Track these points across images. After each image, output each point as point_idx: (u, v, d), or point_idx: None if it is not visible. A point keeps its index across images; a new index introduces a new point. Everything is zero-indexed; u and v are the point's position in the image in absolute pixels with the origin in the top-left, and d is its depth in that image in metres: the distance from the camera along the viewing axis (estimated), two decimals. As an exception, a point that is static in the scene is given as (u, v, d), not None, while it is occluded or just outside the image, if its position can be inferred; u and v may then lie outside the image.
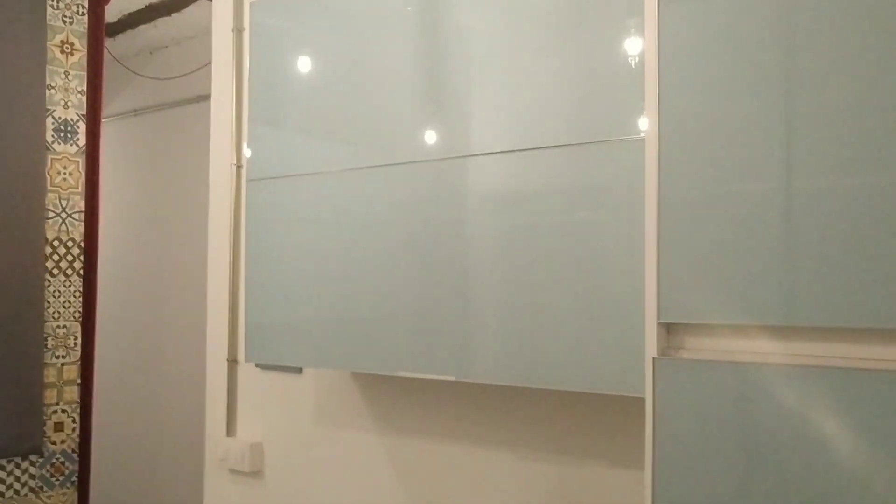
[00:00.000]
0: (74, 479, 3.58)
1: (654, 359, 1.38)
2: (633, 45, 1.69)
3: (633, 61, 1.69)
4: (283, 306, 2.26)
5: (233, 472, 2.78)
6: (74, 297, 3.60)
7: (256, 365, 2.74)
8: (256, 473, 2.72)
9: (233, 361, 2.81)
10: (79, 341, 3.61)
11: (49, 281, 3.53)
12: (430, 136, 1.99)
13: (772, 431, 1.27)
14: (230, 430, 2.80)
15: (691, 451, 1.34)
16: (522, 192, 1.83)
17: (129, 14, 4.32)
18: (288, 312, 2.25)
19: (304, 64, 2.25)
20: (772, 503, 1.27)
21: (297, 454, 2.62)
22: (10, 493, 3.38)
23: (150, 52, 4.97)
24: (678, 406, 1.36)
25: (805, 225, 1.27)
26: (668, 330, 1.41)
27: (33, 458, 3.45)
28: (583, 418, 2.05)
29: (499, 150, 1.87)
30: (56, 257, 3.56)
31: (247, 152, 2.39)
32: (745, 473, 1.30)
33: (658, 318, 1.39)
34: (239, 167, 2.83)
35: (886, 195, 1.21)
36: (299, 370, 2.63)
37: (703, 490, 1.33)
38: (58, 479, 3.53)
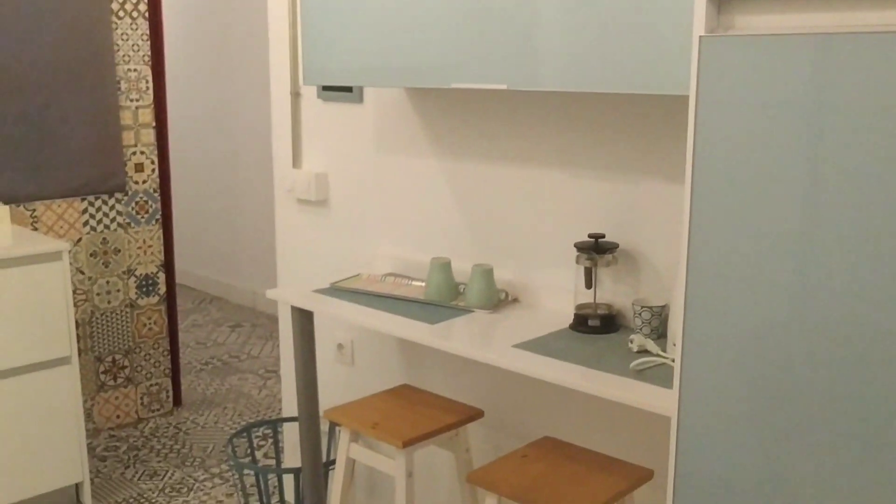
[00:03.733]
0: (158, 216, 3.78)
1: (700, 37, 1.33)
2: None
3: None
4: (340, 28, 2.24)
5: (300, 201, 2.89)
6: (142, 40, 3.64)
7: (318, 96, 2.76)
8: (322, 202, 2.82)
9: (296, 94, 2.84)
10: (150, 85, 3.69)
11: (116, 24, 3.56)
12: None
13: (839, 107, 1.23)
14: (296, 161, 2.88)
15: (734, 145, 1.32)
16: None
17: None
18: (345, 33, 2.23)
19: None
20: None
21: (359, 182, 2.70)
22: (101, 227, 3.61)
23: None
24: (723, 99, 1.32)
25: None
26: (720, 9, 1.34)
27: (118, 195, 3.65)
28: (636, 135, 2.03)
29: None
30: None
31: None
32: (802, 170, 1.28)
33: (709, -5, 1.32)
34: None
35: None
36: (360, 99, 2.65)
37: (740, 188, 1.32)
38: (143, 217, 3.74)
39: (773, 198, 1.29)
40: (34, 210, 3.42)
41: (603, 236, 2.08)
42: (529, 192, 2.27)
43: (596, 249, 2.06)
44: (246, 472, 3.29)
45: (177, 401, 3.98)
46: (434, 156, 2.48)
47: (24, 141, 3.35)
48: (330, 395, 2.92)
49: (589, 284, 2.10)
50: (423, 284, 2.40)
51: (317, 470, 2.49)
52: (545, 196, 2.24)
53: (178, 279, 6.26)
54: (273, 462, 3.34)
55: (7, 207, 3.18)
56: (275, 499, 3.12)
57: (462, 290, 2.34)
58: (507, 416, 2.39)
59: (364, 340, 2.77)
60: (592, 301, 2.12)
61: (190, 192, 6.07)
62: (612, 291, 2.13)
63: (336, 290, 2.42)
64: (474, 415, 2.21)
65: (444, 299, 2.29)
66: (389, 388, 2.38)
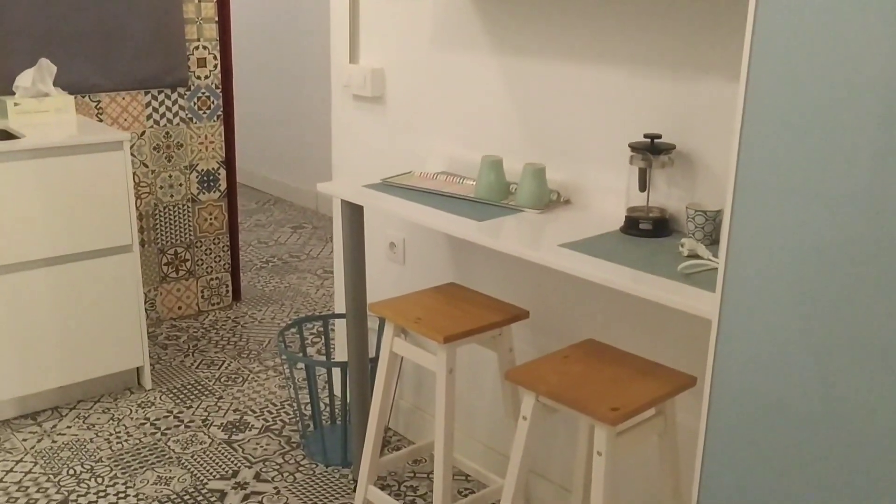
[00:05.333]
0: (220, 112, 3.80)
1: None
2: None
3: None
4: None
5: (356, 97, 2.86)
6: (205, -69, 3.59)
7: (376, -11, 2.70)
8: (378, 98, 2.78)
9: (354, -13, 2.77)
10: (213, -22, 3.66)
11: (179, -87, 3.51)
12: None
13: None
14: (353, 56, 2.84)
15: (797, 39, 1.23)
16: None
17: None
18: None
19: None
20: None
21: (415, 78, 2.65)
22: (163, 122, 3.65)
23: None
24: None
25: None
26: None
27: (181, 90, 3.66)
28: (698, 31, 1.93)
29: None
30: None
31: None
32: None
33: None
34: None
35: None
36: (418, -8, 2.58)
37: (802, 88, 1.23)
38: (205, 112, 3.75)
39: (839, 101, 1.21)
40: (99, 101, 3.46)
41: (659, 137, 2.01)
42: (585, 90, 2.19)
43: (651, 150, 1.99)
44: (298, 365, 3.36)
45: (236, 296, 4.07)
46: (491, 52, 2.41)
47: (89, 32, 3.37)
48: (381, 293, 2.93)
49: (643, 187, 2.04)
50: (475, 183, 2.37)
51: (363, 364, 2.52)
52: (601, 94, 2.16)
53: (243, 180, 6.34)
54: (325, 358, 3.41)
55: (72, 98, 3.23)
56: (325, 393, 3.19)
57: (513, 190, 2.30)
58: (552, 318, 2.37)
59: (415, 240, 2.76)
60: (645, 204, 2.05)
61: (254, 93, 6.09)
62: (666, 194, 2.06)
63: (387, 186, 2.40)
64: (519, 315, 2.19)
65: (495, 198, 2.25)
66: (436, 286, 2.37)
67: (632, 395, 1.79)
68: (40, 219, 2.84)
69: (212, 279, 3.93)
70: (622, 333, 2.20)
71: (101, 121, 3.47)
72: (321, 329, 3.73)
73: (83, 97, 3.42)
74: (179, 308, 3.87)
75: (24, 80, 3.16)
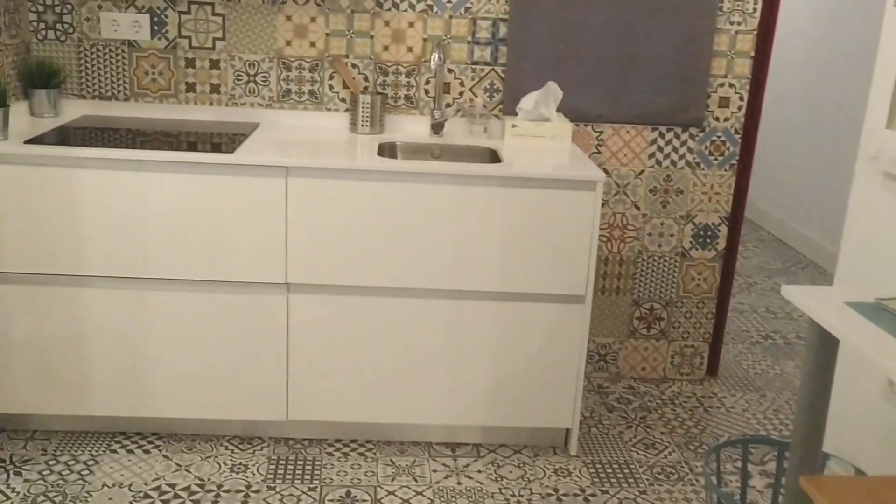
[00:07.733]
0: (734, 161, 3.27)
1: None
2: None
3: None
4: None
5: (887, 175, 2.12)
6: (759, -48, 3.07)
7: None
8: (913, 181, 2.02)
9: None
10: (758, 7, 3.12)
11: (733, -69, 3.05)
12: None
13: None
14: (891, 121, 2.11)
15: None
16: None
17: None
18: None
19: None
20: None
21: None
22: (666, 163, 3.25)
23: None
24: None
25: None
26: None
27: (693, 131, 3.23)
28: None
29: None
30: None
31: None
32: None
33: None
34: None
35: None
36: None
37: None
38: (716, 159, 3.26)
39: None
40: (601, 133, 3.20)
41: None
42: None
43: None
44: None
45: (711, 370, 3.52)
46: None
47: (605, 59, 3.11)
48: (862, 439, 2.17)
49: None
50: None
51: (795, 537, 1.85)
52: None
53: (774, 231, 5.64)
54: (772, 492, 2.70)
55: (570, 125, 3.02)
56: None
57: None
58: None
59: (924, 386, 1.95)
60: None
61: (794, 131, 5.32)
62: None
63: (880, 310, 1.69)
64: None
65: None
66: (920, 476, 1.60)
67: None
68: (495, 250, 2.68)
69: (686, 346, 3.44)
70: None
71: (598, 153, 3.21)
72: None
73: (585, 125, 3.19)
74: (643, 369, 3.46)
75: (528, 102, 3.04)
